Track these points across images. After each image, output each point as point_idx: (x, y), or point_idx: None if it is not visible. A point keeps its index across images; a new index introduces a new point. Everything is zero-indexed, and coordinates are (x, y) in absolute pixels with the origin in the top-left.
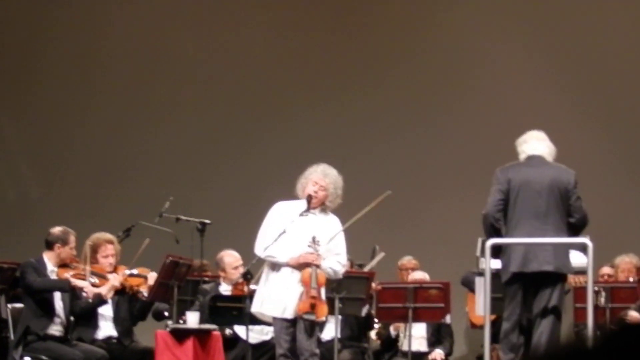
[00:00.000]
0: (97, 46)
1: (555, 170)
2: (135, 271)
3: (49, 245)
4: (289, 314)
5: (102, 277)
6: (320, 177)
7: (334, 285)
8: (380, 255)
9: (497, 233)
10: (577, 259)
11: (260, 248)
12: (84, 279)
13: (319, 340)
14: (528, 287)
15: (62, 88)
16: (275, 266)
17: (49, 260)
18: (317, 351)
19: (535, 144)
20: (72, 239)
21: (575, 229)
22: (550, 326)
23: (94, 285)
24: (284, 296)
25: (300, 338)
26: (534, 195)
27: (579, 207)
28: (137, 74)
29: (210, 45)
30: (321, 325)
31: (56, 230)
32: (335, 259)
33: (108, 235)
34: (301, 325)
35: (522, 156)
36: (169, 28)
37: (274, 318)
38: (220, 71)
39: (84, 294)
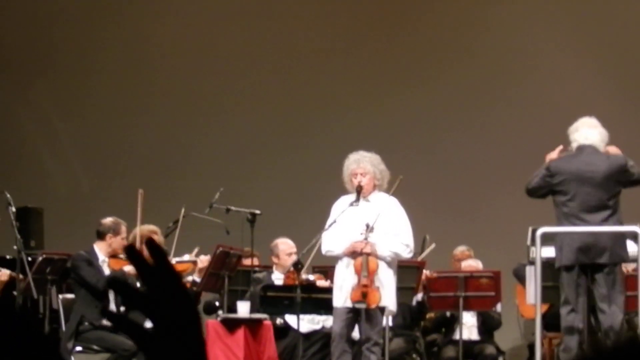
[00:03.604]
0: (147, 41)
1: (606, 162)
2: (184, 257)
3: (101, 236)
4: (346, 303)
5: None
6: (355, 166)
7: None
8: (431, 247)
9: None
10: (628, 247)
11: (323, 245)
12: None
13: None
14: (582, 278)
15: (112, 83)
16: (339, 259)
17: (100, 251)
18: (381, 341)
19: (586, 131)
20: (123, 229)
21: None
22: (614, 317)
23: None
24: (345, 286)
25: (364, 326)
26: (587, 190)
27: (637, 175)
28: (187, 68)
29: (260, 39)
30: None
31: (107, 220)
32: (397, 240)
33: (152, 227)
34: (363, 314)
35: (574, 145)
36: (218, 23)
37: (335, 306)
38: (270, 64)
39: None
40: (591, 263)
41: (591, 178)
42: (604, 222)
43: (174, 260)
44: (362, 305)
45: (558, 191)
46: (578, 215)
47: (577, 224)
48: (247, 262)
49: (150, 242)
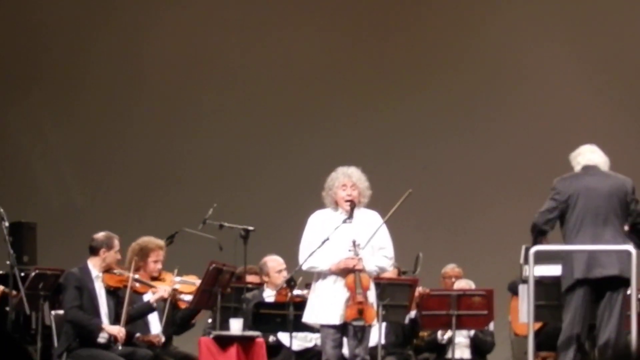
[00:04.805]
0: (140, 54)
1: (613, 179)
2: (184, 279)
3: (94, 251)
4: (337, 320)
5: (147, 285)
6: (346, 179)
7: (377, 292)
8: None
9: (543, 234)
10: None
11: (303, 259)
12: (125, 287)
13: None
14: (591, 294)
15: (106, 96)
16: (321, 274)
17: (94, 267)
18: (368, 357)
19: (589, 155)
20: (116, 242)
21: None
22: (615, 332)
23: (136, 291)
24: (332, 303)
25: (350, 344)
26: (593, 203)
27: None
28: (180, 81)
29: (252, 52)
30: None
31: (100, 235)
32: (381, 254)
33: (159, 241)
34: (351, 331)
35: (578, 167)
36: (212, 35)
37: (321, 325)
38: (262, 78)
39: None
40: (602, 277)
41: (597, 191)
42: (611, 237)
43: (176, 279)
44: (360, 323)
45: (565, 210)
46: (586, 230)
47: (585, 237)
48: (249, 278)
49: None
